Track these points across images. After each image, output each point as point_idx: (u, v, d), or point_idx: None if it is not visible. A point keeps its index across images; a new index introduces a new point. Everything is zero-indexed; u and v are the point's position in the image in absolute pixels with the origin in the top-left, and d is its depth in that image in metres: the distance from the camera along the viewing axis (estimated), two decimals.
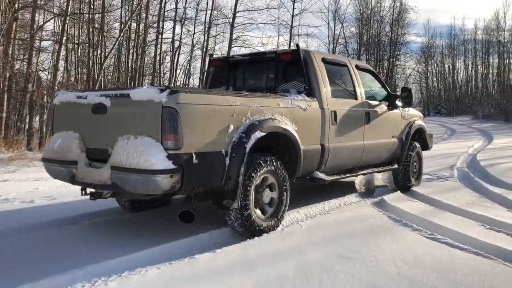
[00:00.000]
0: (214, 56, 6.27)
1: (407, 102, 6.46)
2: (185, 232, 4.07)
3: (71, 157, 4.07)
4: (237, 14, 23.19)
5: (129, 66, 22.87)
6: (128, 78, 22.77)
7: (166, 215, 4.95)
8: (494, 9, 52.18)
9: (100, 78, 17.68)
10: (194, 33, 24.96)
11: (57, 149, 4.21)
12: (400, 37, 37.85)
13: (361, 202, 5.77)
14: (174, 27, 23.75)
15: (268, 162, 4.23)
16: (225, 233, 4.23)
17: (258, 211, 4.21)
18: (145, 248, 3.68)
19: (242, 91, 4.52)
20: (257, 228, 4.12)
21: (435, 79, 51.04)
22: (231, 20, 23.20)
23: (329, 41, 33.40)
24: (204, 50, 24.29)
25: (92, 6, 19.42)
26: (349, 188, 6.65)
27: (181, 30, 24.46)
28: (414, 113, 7.03)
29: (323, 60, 5.30)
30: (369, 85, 6.21)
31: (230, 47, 23.12)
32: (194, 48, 25.26)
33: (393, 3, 36.94)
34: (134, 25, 22.37)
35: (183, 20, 24.16)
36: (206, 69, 24.24)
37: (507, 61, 40.88)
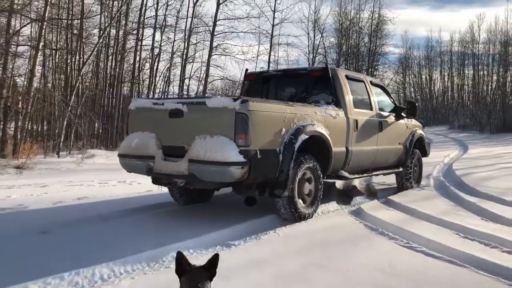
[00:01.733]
0: (250, 71, 7.04)
1: (412, 113, 7.40)
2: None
3: (149, 153, 4.86)
4: (218, 23, 23.21)
5: (108, 72, 22.61)
6: (107, 85, 22.52)
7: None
8: (469, 22, 53.51)
9: (78, 84, 17.44)
10: (174, 40, 24.80)
11: (135, 146, 5.01)
12: (379, 48, 38.26)
13: (338, 210, 5.81)
14: (154, 34, 23.59)
15: (308, 160, 5.03)
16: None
17: (300, 200, 5.02)
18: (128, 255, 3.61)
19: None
20: (300, 214, 4.95)
21: (412, 89, 51.94)
22: (211, 28, 23.20)
23: (309, 51, 33.50)
24: (184, 57, 24.18)
25: (70, 12, 19.18)
26: (327, 196, 6.67)
27: (161, 38, 24.30)
28: (415, 124, 7.95)
29: (346, 76, 6.18)
30: (381, 98, 7.05)
31: (210, 55, 23.13)
32: (174, 56, 25.13)
33: (372, 15, 37.47)
34: (113, 31, 22.19)
35: (163, 28, 24.02)
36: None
37: (482, 72, 41.84)
